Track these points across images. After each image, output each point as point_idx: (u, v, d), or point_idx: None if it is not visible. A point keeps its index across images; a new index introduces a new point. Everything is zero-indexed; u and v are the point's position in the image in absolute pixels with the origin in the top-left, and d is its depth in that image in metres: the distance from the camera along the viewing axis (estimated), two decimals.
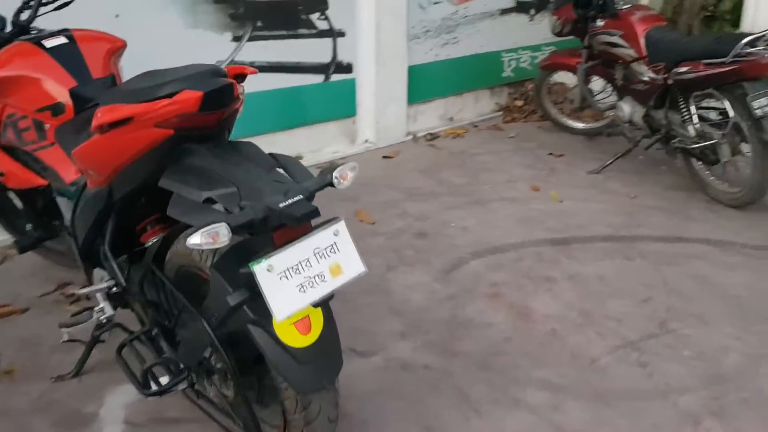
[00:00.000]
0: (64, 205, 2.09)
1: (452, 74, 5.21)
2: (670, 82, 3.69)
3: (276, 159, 1.66)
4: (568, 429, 2.12)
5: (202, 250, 1.70)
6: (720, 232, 3.45)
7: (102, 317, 2.08)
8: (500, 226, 3.53)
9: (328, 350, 1.61)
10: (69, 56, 2.10)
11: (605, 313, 2.74)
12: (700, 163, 3.82)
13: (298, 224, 1.45)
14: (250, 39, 3.99)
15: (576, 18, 4.31)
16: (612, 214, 3.67)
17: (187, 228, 1.83)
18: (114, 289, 1.95)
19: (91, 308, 2.18)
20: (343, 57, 4.49)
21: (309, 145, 4.48)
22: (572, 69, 4.64)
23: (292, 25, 4.16)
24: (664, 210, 3.72)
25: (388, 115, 4.77)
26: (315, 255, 1.50)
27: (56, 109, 2.04)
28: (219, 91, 1.56)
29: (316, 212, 1.45)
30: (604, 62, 4.34)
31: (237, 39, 3.93)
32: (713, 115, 3.67)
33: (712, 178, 3.83)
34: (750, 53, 3.22)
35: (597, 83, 4.63)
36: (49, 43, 2.12)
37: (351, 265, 1.55)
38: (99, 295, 2.11)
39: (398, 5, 4.59)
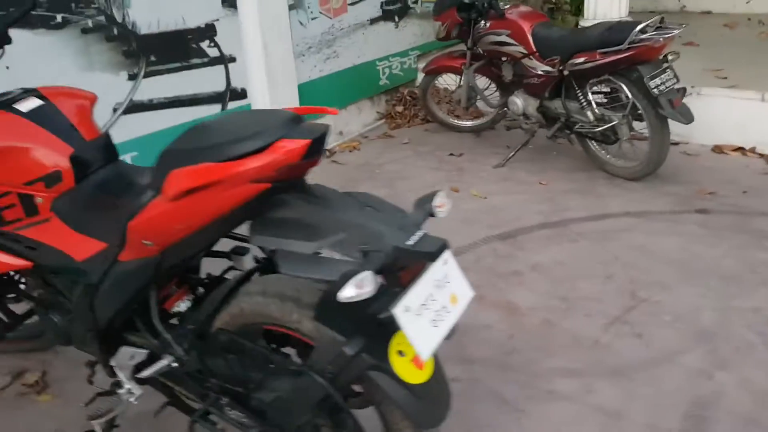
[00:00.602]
0: (69, 283, 1.84)
1: (337, 88, 5.21)
2: (565, 73, 3.98)
3: (354, 197, 1.59)
4: (609, 408, 2.24)
5: (283, 305, 1.59)
6: (634, 204, 3.78)
7: (132, 399, 1.88)
8: (445, 230, 3.57)
9: (441, 382, 1.58)
10: (52, 119, 1.82)
11: (580, 294, 2.91)
12: (597, 144, 4.17)
13: (432, 261, 1.40)
14: (146, 75, 3.73)
15: (461, 21, 4.49)
16: (536, 203, 3.89)
17: (237, 287, 1.71)
18: (174, 364, 1.75)
19: (106, 392, 1.96)
20: (237, 83, 4.32)
21: None
22: (457, 71, 4.84)
23: (184, 55, 3.94)
24: (576, 191, 4.01)
25: None
26: (435, 287, 1.46)
27: (51, 179, 1.75)
28: (322, 137, 1.46)
29: (446, 245, 1.41)
30: (489, 61, 4.58)
31: (133, 77, 3.64)
32: (602, 99, 4.01)
33: (608, 156, 4.18)
34: (642, 39, 3.56)
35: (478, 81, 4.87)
36: (22, 106, 1.83)
37: (463, 291, 1.53)
38: (122, 375, 1.90)
39: (282, 24, 4.51)
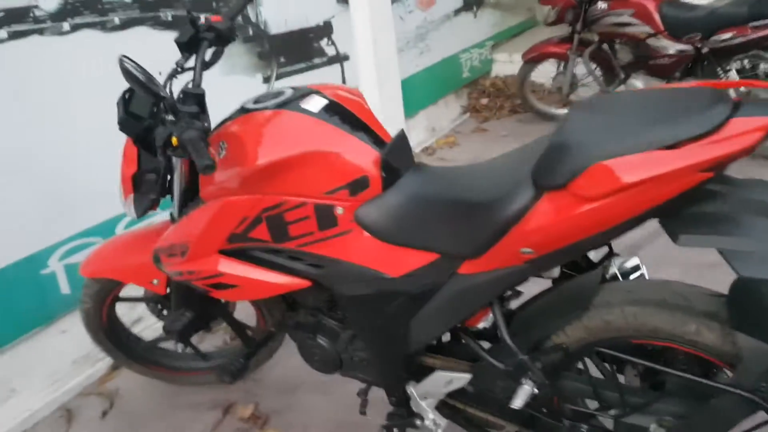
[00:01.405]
0: (364, 303, 1.61)
1: (429, 83, 5.03)
2: (704, 50, 3.79)
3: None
4: None
5: (672, 315, 1.38)
6: None
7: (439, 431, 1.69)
8: None
9: None
10: (345, 119, 1.57)
11: None
12: None
13: None
14: (277, 77, 3.51)
15: (574, 4, 4.30)
16: None
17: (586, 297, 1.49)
18: (536, 391, 1.53)
19: (393, 425, 1.77)
20: (350, 82, 4.12)
21: None
22: (561, 57, 4.64)
23: (308, 55, 3.73)
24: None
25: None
26: None
27: (356, 186, 1.51)
28: None
29: None
30: (599, 45, 4.40)
31: (266, 80, 3.43)
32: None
33: None
34: None
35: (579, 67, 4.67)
36: (310, 105, 1.60)
37: None
38: (426, 405, 1.70)
39: (386, 18, 4.30)
